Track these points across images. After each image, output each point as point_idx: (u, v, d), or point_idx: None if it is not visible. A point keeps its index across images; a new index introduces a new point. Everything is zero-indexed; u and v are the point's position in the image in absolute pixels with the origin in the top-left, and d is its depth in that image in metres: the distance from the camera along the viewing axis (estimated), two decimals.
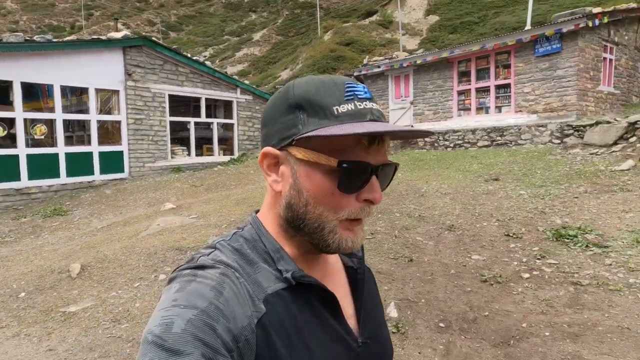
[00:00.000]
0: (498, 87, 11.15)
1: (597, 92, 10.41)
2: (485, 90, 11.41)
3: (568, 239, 4.50)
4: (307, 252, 0.65)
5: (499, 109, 11.19)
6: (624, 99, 11.71)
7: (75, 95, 10.01)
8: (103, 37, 9.52)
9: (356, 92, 0.59)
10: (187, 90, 10.81)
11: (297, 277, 0.60)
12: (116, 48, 9.44)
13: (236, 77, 12.15)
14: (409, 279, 3.94)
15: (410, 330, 3.07)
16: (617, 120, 8.30)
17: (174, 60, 10.33)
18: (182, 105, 13.39)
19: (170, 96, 10.60)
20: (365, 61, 15.81)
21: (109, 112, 9.75)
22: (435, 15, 43.66)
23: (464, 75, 11.93)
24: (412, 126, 12.58)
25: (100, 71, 9.27)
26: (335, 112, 0.57)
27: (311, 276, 0.61)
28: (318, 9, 48.42)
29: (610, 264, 3.85)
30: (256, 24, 67.25)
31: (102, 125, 9.75)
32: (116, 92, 9.63)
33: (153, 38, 10.52)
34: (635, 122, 7.72)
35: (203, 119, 11.29)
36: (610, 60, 10.86)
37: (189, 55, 10.87)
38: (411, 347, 2.87)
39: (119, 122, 9.71)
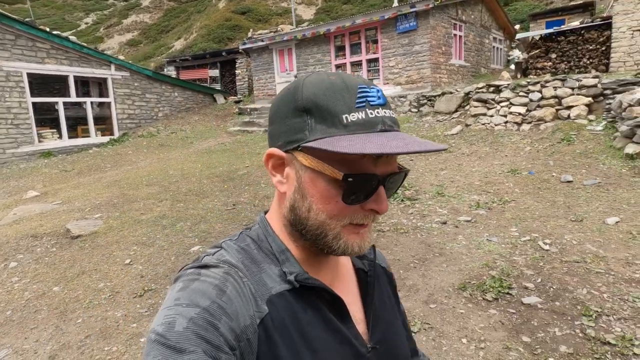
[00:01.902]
0: (369, 60, 12.17)
1: (449, 65, 11.94)
2: (359, 64, 12.36)
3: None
4: (314, 254, 0.64)
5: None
6: (474, 70, 13.55)
7: None
8: None
9: (369, 99, 0.57)
10: (50, 68, 9.99)
11: (301, 280, 0.59)
12: None
13: (108, 53, 11.47)
14: None
15: None
16: (457, 91, 9.73)
17: (28, 35, 9.42)
18: (55, 83, 12.31)
19: (31, 75, 9.73)
20: (249, 34, 15.86)
21: None
22: None
23: (340, 50, 12.73)
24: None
25: None
26: (345, 121, 0.55)
27: (317, 279, 0.61)
28: None
29: (412, 213, 4.86)
30: None
31: None
32: None
33: None
34: (469, 92, 9.16)
35: (73, 98, 10.58)
36: (460, 36, 12.45)
37: (47, 29, 9.98)
38: None
39: None
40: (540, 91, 6.96)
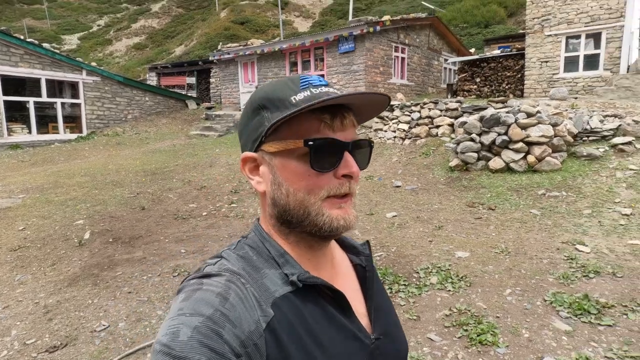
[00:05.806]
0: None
1: (388, 84, 13.09)
2: None
3: None
4: (309, 249, 0.66)
5: None
6: (419, 89, 14.67)
7: None
8: None
9: (310, 81, 0.63)
10: (23, 71, 11.35)
11: (303, 279, 0.61)
12: None
13: (80, 59, 12.82)
14: (134, 220, 5.70)
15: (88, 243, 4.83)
16: None
17: (4, 41, 10.81)
18: (28, 84, 13.72)
19: (4, 76, 11.10)
20: (219, 47, 17.17)
21: None
22: None
23: (294, 65, 13.98)
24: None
25: None
26: (293, 101, 0.60)
27: (318, 277, 0.63)
28: None
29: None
30: None
31: None
32: None
33: None
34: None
35: (44, 98, 11.92)
36: (403, 58, 13.61)
37: (21, 36, 11.36)
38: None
39: None
40: (419, 111, 8.08)
